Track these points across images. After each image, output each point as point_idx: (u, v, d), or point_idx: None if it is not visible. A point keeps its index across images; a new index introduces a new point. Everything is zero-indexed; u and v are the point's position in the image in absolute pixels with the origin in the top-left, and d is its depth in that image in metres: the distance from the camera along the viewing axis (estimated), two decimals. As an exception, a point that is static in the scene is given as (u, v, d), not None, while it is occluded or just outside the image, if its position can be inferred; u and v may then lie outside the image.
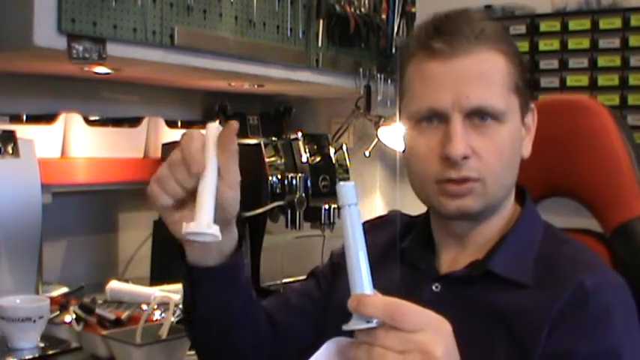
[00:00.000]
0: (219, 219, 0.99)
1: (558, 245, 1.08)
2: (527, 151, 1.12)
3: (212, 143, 0.99)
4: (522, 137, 1.11)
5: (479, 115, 1.04)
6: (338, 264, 1.22)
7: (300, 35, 2.21)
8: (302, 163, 2.15)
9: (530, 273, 1.04)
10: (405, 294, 1.00)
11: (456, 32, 1.04)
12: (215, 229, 0.96)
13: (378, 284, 0.92)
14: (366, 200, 2.74)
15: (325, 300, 1.22)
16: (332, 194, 2.20)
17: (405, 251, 1.15)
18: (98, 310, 1.60)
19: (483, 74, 1.04)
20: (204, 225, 0.95)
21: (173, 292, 1.73)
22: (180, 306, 1.66)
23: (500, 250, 1.07)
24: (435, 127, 1.05)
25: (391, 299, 0.80)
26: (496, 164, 1.04)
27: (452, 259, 1.12)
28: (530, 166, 1.14)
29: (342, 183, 0.85)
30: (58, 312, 1.68)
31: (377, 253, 1.16)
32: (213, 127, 1.01)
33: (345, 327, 0.81)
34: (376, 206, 2.75)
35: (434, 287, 1.09)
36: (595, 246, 1.22)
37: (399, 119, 1.13)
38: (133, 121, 2.22)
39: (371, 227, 1.25)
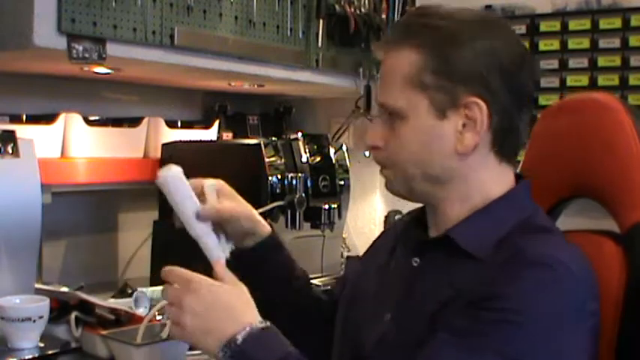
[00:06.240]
0: (240, 231, 1.23)
1: (528, 233, 1.10)
2: (462, 145, 1.11)
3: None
4: (446, 132, 1.11)
5: (387, 112, 1.13)
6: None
7: (300, 35, 2.21)
8: (302, 163, 2.15)
9: (488, 250, 1.08)
10: (401, 265, 1.18)
11: (391, 33, 1.16)
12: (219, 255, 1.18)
13: (388, 271, 1.19)
14: (366, 200, 2.74)
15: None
16: (332, 194, 2.20)
17: (400, 235, 1.26)
18: (98, 310, 1.60)
19: (388, 73, 1.14)
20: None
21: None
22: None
23: (464, 223, 1.13)
24: None
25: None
26: (398, 157, 1.14)
27: (434, 234, 1.19)
28: (552, 166, 1.15)
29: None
30: (58, 312, 1.68)
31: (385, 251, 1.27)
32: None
33: None
34: (376, 206, 2.75)
35: (414, 260, 1.17)
36: (608, 247, 1.19)
37: None
38: (133, 121, 2.22)
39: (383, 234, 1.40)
